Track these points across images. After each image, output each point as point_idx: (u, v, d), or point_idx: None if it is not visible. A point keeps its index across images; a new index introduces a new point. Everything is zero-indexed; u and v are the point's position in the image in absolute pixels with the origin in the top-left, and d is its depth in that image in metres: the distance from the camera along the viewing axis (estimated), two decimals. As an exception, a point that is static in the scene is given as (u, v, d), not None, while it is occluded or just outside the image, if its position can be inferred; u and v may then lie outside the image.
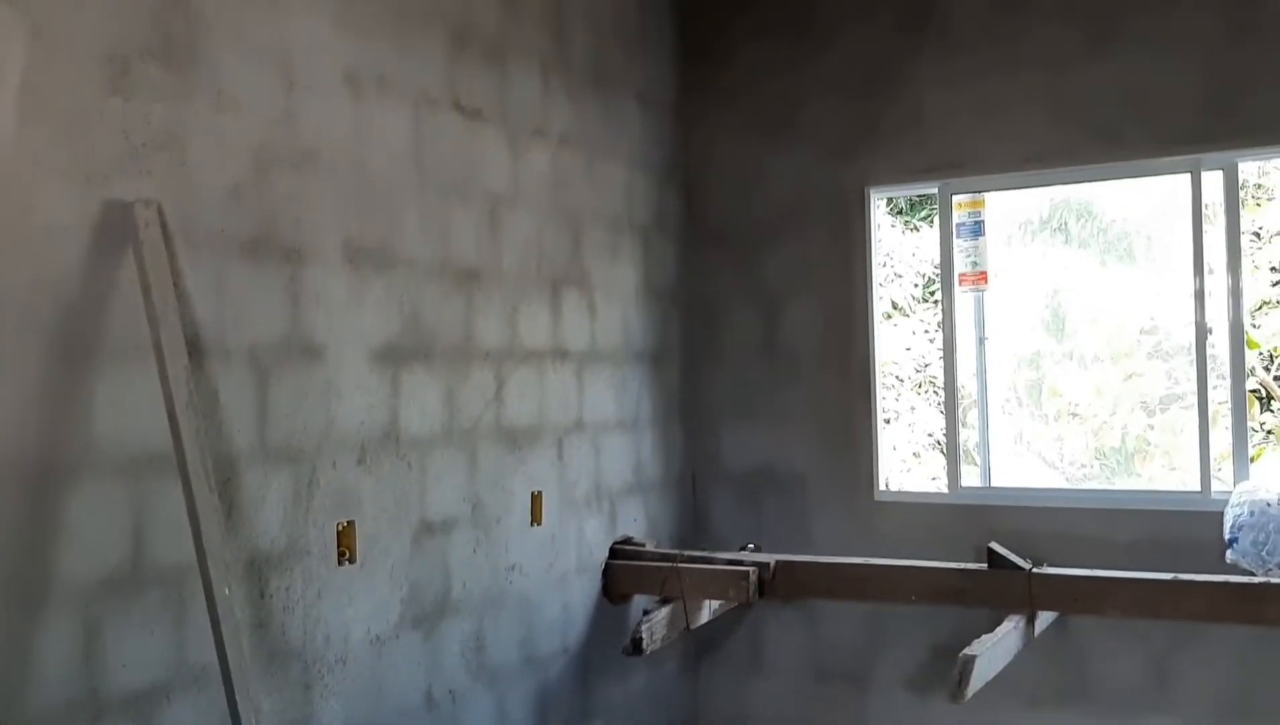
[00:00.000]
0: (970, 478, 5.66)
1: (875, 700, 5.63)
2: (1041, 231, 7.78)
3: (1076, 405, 6.94)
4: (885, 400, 8.42)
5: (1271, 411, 7.06)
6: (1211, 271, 5.18)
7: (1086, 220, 7.66)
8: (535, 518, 4.73)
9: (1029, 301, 7.25)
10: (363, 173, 3.94)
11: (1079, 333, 7.21)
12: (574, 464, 5.04)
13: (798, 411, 5.85)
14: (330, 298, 3.78)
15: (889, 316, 8.48)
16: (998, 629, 4.48)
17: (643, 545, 5.34)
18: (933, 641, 5.31)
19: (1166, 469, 6.74)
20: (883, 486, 5.73)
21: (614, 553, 5.27)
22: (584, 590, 5.08)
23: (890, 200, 8.22)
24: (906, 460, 7.92)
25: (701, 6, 6.06)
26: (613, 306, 5.39)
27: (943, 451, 6.13)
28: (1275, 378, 7.33)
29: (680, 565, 5.04)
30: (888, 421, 8.11)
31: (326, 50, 3.80)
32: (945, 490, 5.63)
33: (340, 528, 3.78)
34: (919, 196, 7.82)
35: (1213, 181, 5.11)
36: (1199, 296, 5.11)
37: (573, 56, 5.13)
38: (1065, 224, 7.53)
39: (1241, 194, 5.21)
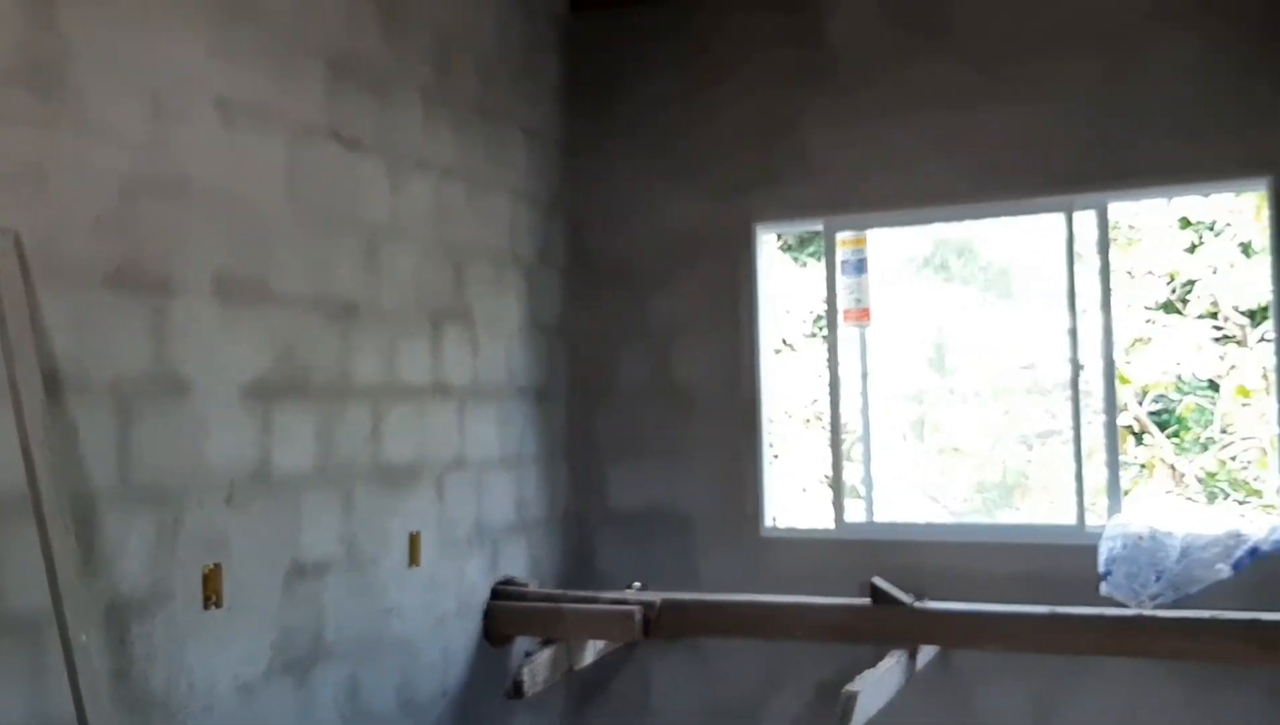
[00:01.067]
0: (855, 513, 5.80)
1: (762, 740, 5.71)
2: (925, 269, 8.05)
3: (959, 440, 7.18)
4: (776, 437, 8.61)
5: (1145, 445, 7.39)
6: (1084, 311, 5.43)
7: (967, 258, 7.95)
8: (414, 559, 4.70)
9: (913, 338, 7.49)
10: (236, 203, 3.90)
11: (961, 369, 7.47)
12: (455, 503, 5.03)
13: (686, 449, 5.93)
14: (199, 331, 3.73)
15: (779, 353, 8.65)
16: (880, 664, 4.59)
17: (526, 585, 5.34)
18: (820, 678, 5.41)
19: (1045, 503, 7.00)
20: (770, 523, 5.83)
21: (496, 594, 5.25)
22: (465, 632, 5.06)
23: (781, 237, 8.41)
24: (797, 496, 8.07)
25: (590, 44, 6.16)
26: (497, 342, 5.41)
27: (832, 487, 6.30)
28: (1149, 413, 7.67)
29: (564, 606, 5.05)
30: (777, 457, 8.26)
31: (199, 77, 3.77)
32: (831, 526, 5.75)
33: (207, 571, 3.71)
34: (809, 233, 8.03)
35: (1086, 222, 5.37)
36: (1072, 334, 5.34)
37: (457, 89, 5.17)
38: (946, 262, 7.81)
39: (1115, 235, 5.49)
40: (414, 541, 4.70)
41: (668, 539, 5.95)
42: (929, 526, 6.25)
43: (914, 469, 7.37)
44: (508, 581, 5.33)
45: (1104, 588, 4.98)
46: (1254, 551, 4.88)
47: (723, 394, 5.88)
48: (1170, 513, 5.21)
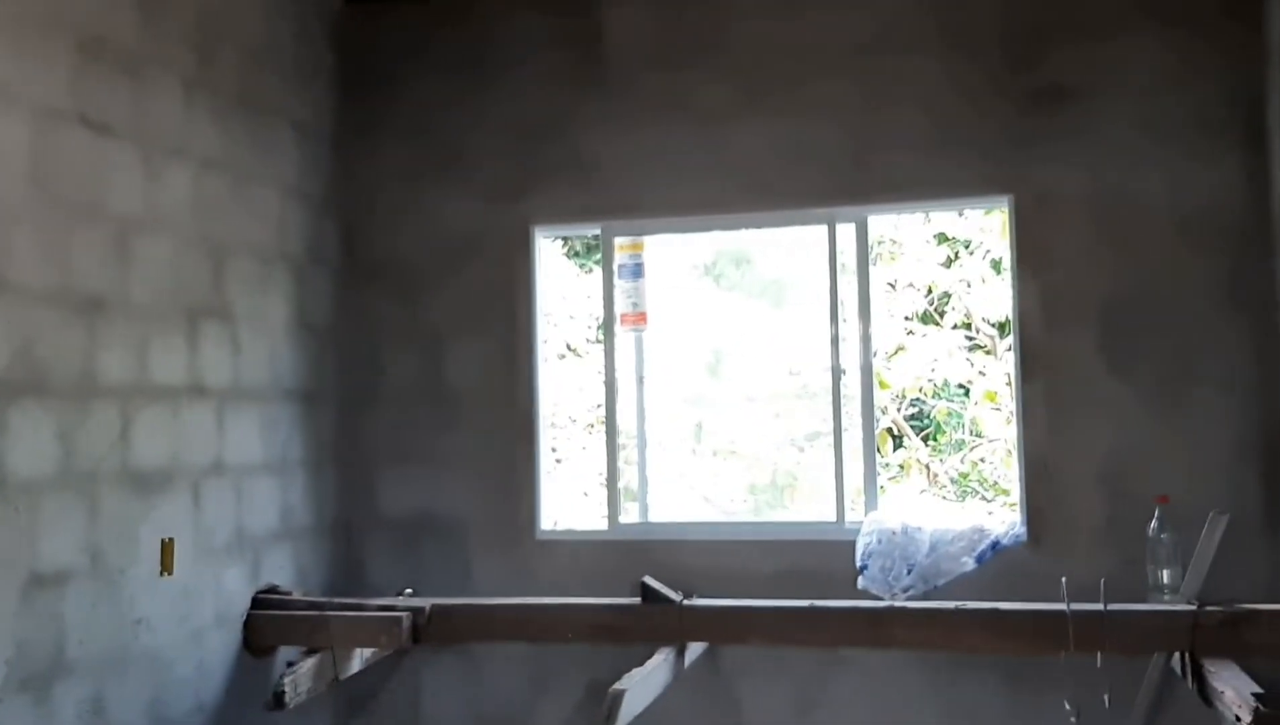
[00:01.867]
0: (631, 515, 5.90)
1: (535, 744, 5.74)
2: (706, 277, 8.29)
3: (733, 443, 7.42)
4: (558, 441, 8.67)
5: (903, 447, 7.84)
6: (845, 319, 5.71)
7: (745, 268, 8.24)
8: (166, 567, 4.50)
9: (692, 344, 7.70)
10: (-34, 187, 3.66)
11: (737, 374, 7.73)
12: (212, 509, 4.85)
13: (460, 454, 5.90)
14: (-79, 324, 3.48)
15: (564, 358, 8.72)
16: (648, 662, 4.69)
17: (289, 594, 5.20)
18: (591, 679, 5.46)
19: (812, 502, 7.33)
20: (546, 527, 5.86)
21: (257, 603, 5.09)
22: (223, 644, 4.88)
23: (566, 241, 8.50)
24: (579, 500, 8.15)
25: (364, 38, 6.06)
26: (260, 342, 5.25)
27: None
28: (906, 417, 8.12)
29: (328, 613, 4.94)
30: (560, 462, 8.32)
31: (-77, 49, 3.53)
32: (605, 527, 5.84)
33: (-72, 582, 3.46)
34: (595, 238, 8.15)
35: (848, 235, 5.64)
36: (834, 341, 5.61)
37: (220, 78, 5.00)
38: (724, 271, 8.08)
39: (879, 248, 5.80)
40: (166, 549, 4.51)
41: (440, 545, 5.90)
42: (700, 525, 6.44)
43: (690, 471, 7.57)
44: (270, 590, 5.18)
45: (861, 581, 5.24)
46: (995, 545, 5.25)
47: (498, 398, 5.88)
48: (923, 509, 5.53)
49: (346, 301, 5.97)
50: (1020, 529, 5.31)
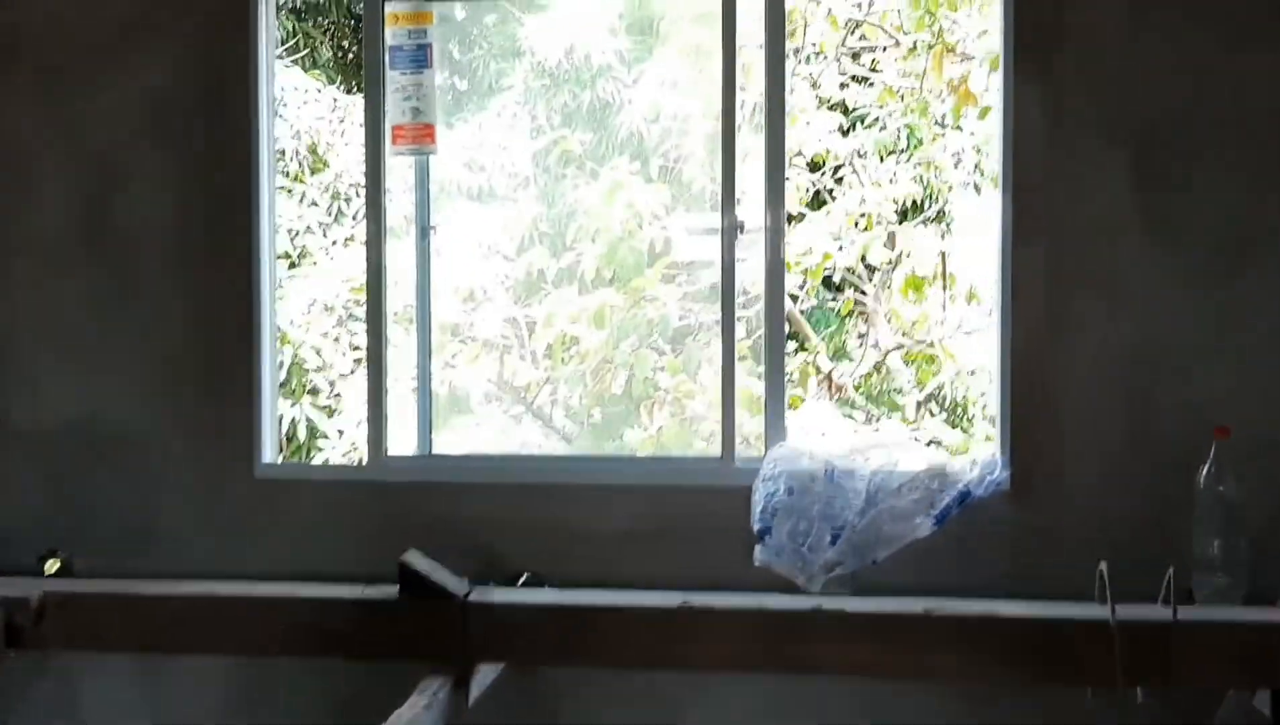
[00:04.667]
0: (405, 444, 3.90)
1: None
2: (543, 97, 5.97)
3: (574, 341, 5.42)
4: (339, 336, 6.56)
5: (807, 350, 5.91)
6: (746, 155, 3.81)
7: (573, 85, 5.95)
8: None
9: (516, 201, 5.60)
10: None
11: (581, 247, 5.66)
12: None
13: (139, 337, 3.81)
14: None
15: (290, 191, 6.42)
16: (406, 704, 2.75)
17: None
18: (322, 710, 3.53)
19: (681, 423, 5.39)
20: (269, 459, 3.81)
21: None
22: None
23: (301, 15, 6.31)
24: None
25: None
26: None
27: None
28: (801, 311, 6.20)
29: None
30: (326, 365, 6.23)
31: None
32: (365, 462, 3.83)
33: None
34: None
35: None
36: (727, 180, 3.65)
37: None
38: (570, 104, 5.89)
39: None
40: None
41: (112, 478, 3.83)
42: (513, 459, 4.46)
43: (511, 379, 5.54)
44: None
45: (759, 554, 3.40)
46: (965, 497, 3.45)
47: (199, 249, 3.79)
48: (854, 440, 3.68)
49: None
50: (1000, 472, 3.49)
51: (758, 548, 3.39)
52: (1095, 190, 3.45)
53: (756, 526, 3.40)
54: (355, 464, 3.99)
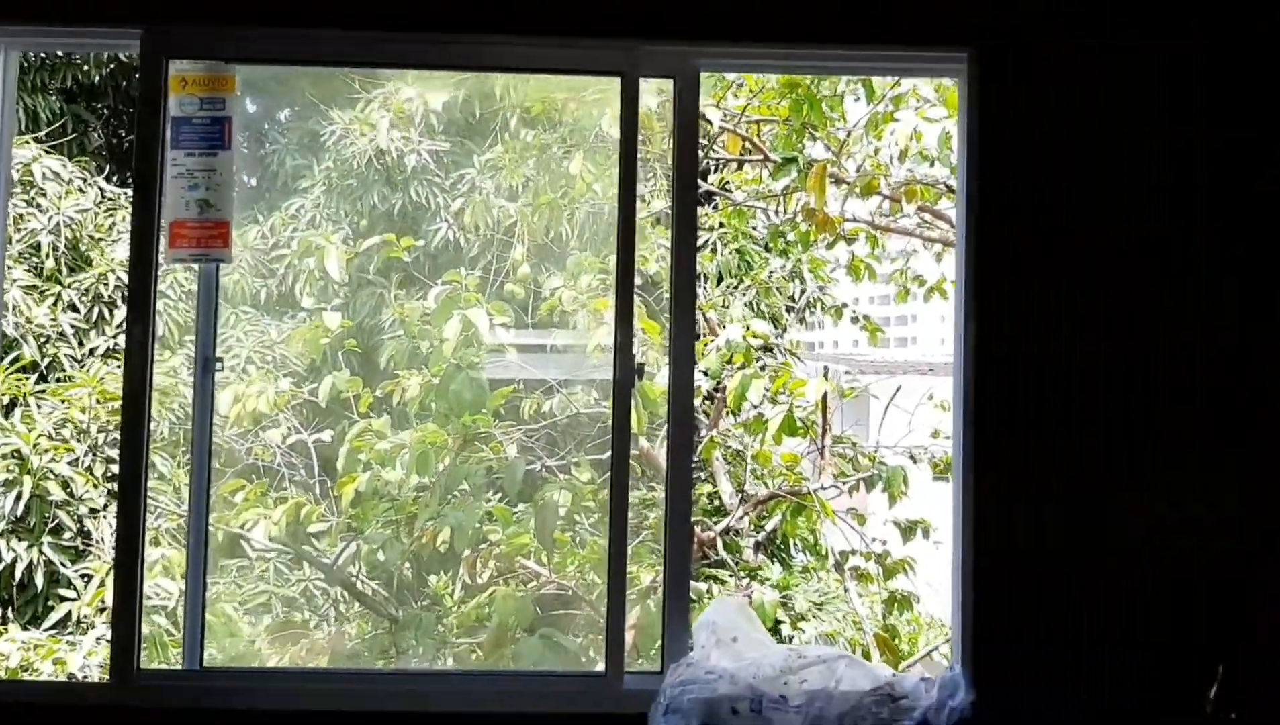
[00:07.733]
0: (169, 654, 2.88)
1: None
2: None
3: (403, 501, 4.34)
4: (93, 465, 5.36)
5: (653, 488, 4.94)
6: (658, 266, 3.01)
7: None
8: None
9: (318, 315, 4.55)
10: None
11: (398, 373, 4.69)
12: None
13: None
14: None
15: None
16: None
17: None
18: None
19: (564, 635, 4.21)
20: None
21: None
22: None
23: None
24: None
25: None
26: None
27: None
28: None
29: None
30: (75, 498, 5.06)
31: None
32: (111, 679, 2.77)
33: None
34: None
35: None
36: (622, 307, 2.86)
37: None
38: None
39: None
40: None
41: None
42: (314, 676, 3.38)
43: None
44: None
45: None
46: (922, 728, 2.67)
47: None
48: (774, 653, 2.85)
49: None
50: (962, 695, 2.74)
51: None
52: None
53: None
54: (88, 684, 2.86)
